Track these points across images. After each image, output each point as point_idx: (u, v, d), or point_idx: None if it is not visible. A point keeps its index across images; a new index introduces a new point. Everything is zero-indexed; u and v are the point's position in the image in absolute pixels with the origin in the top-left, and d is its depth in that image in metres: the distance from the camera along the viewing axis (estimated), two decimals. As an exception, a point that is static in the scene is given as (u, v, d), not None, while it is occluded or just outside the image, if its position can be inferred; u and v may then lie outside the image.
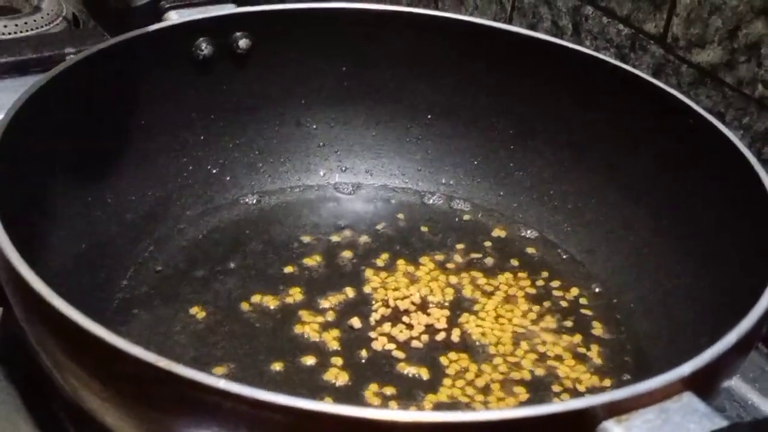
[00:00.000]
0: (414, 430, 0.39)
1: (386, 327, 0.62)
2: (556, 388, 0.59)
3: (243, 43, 0.70)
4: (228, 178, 0.73)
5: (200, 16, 0.69)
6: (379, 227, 0.72)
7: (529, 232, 0.72)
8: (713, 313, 0.57)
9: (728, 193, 0.60)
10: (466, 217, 0.74)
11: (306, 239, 0.70)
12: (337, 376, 0.58)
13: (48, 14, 1.01)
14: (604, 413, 0.40)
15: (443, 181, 0.76)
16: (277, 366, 0.58)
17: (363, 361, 0.60)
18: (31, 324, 0.48)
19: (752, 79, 0.69)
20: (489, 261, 0.69)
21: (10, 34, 0.97)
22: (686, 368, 0.42)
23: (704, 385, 0.43)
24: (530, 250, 0.71)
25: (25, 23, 0.99)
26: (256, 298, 0.64)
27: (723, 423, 0.41)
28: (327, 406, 0.39)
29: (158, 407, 0.43)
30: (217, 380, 0.39)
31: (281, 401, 0.39)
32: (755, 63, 0.69)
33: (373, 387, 0.58)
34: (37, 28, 0.99)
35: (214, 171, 0.72)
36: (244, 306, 0.63)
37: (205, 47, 0.69)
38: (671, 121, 0.65)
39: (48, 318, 0.44)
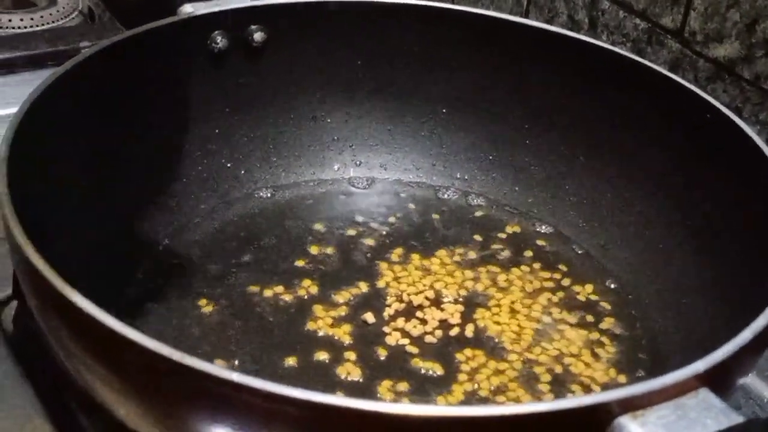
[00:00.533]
0: (428, 424, 0.39)
1: (400, 322, 0.62)
2: (572, 385, 0.58)
3: (258, 36, 0.70)
4: (242, 172, 0.73)
5: (215, 9, 0.69)
6: (393, 222, 0.72)
7: (543, 227, 0.72)
8: (729, 310, 0.56)
9: (745, 189, 0.59)
10: (481, 211, 0.73)
11: (320, 233, 0.70)
12: (350, 371, 0.58)
13: (64, 8, 1.01)
14: (619, 409, 0.40)
15: (458, 175, 0.76)
16: (290, 361, 0.58)
17: (376, 356, 0.59)
18: (45, 316, 0.48)
19: (770, 74, 0.69)
20: (503, 256, 0.69)
21: (26, 27, 0.97)
22: (701, 364, 0.42)
23: (720, 381, 0.43)
24: (545, 245, 0.70)
25: (41, 17, 0.99)
26: (269, 292, 0.64)
27: (739, 419, 0.40)
28: (340, 400, 0.39)
29: (171, 400, 0.43)
30: (230, 373, 0.39)
31: (295, 394, 0.39)
32: (773, 58, 0.68)
33: (387, 383, 0.57)
34: (52, 22, 0.99)
35: (229, 165, 0.72)
36: (258, 300, 0.63)
37: (220, 40, 0.69)
38: (688, 115, 0.64)
39: (62, 310, 0.44)
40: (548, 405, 0.40)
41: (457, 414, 0.39)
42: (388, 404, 0.41)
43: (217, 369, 0.40)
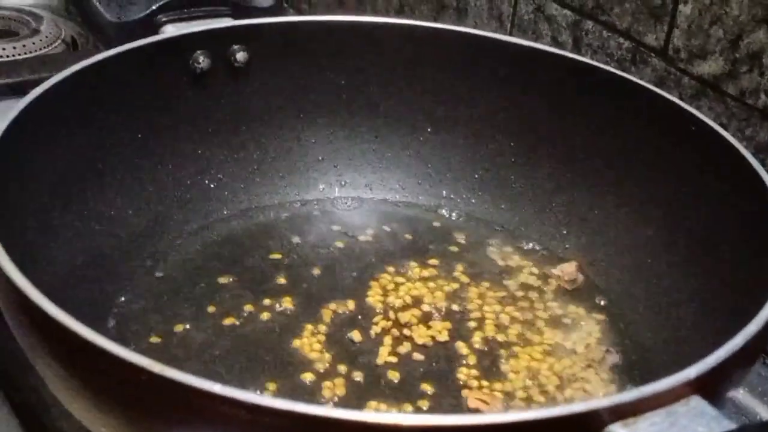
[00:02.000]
0: (415, 433, 0.38)
1: (387, 340, 0.61)
2: (564, 394, 0.58)
3: (240, 56, 0.70)
4: (226, 193, 0.72)
5: (197, 29, 0.68)
6: (379, 241, 0.71)
7: (531, 244, 0.71)
8: (719, 322, 0.56)
9: (732, 200, 0.59)
10: (468, 230, 0.73)
11: (305, 253, 0.69)
12: (336, 390, 0.57)
13: (47, 37, 1.01)
14: (610, 416, 0.39)
15: (444, 194, 0.75)
16: (276, 382, 0.57)
17: (363, 375, 0.59)
18: (23, 333, 0.47)
19: (755, 89, 0.69)
20: (491, 273, 0.68)
21: (9, 56, 0.97)
22: (692, 371, 0.42)
23: (711, 389, 0.42)
24: (532, 263, 0.70)
25: (24, 46, 0.99)
26: (254, 313, 0.63)
27: (732, 426, 0.40)
28: (325, 410, 0.38)
29: (152, 414, 0.42)
30: (212, 384, 0.39)
31: (279, 406, 0.38)
32: (758, 72, 0.68)
33: (373, 403, 0.57)
34: (36, 50, 0.99)
35: (212, 186, 0.72)
36: (242, 320, 0.62)
37: (202, 60, 0.68)
38: (673, 129, 0.64)
39: (41, 326, 0.44)
40: (540, 412, 0.39)
41: (449, 423, 0.38)
42: (373, 414, 0.40)
43: (199, 381, 0.39)
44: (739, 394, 0.63)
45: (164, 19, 0.69)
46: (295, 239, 0.71)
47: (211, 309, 0.63)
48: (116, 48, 0.65)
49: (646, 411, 0.40)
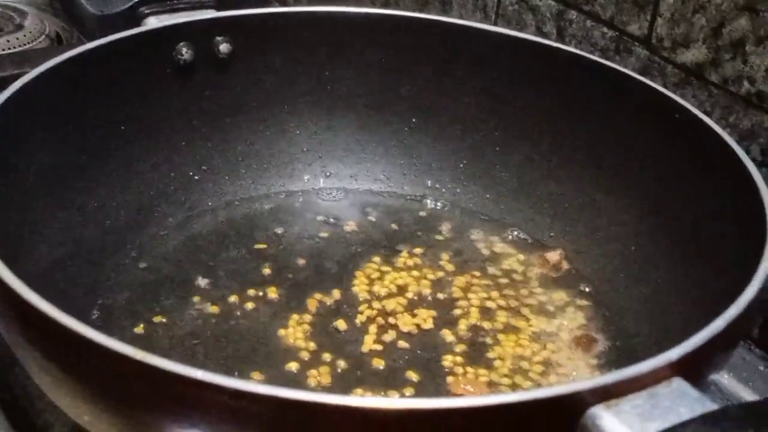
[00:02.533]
0: (400, 417, 0.38)
1: (372, 329, 0.61)
2: (547, 379, 0.58)
3: (224, 47, 0.70)
4: (210, 185, 0.72)
5: (180, 21, 0.68)
6: (364, 231, 0.71)
7: (516, 232, 0.72)
8: (703, 308, 0.56)
9: (716, 188, 0.59)
10: (453, 219, 0.73)
11: (290, 243, 0.69)
12: (321, 379, 0.57)
13: (31, 32, 1.00)
14: (592, 398, 0.39)
15: (429, 184, 0.75)
16: (261, 371, 0.57)
17: (348, 363, 0.59)
18: (6, 324, 0.47)
19: (737, 77, 0.69)
20: (476, 262, 0.68)
21: (-14, 53, 0.97)
22: (674, 353, 0.42)
23: (693, 371, 0.43)
24: (517, 252, 0.70)
25: (7, 41, 0.98)
26: (239, 303, 0.63)
27: (714, 406, 0.40)
28: (309, 395, 0.38)
29: (136, 402, 0.42)
30: (195, 371, 0.39)
31: (262, 391, 0.38)
32: (740, 60, 0.69)
33: (358, 391, 0.57)
34: (20, 45, 0.99)
35: (197, 177, 0.72)
36: (228, 310, 0.62)
37: (185, 52, 0.68)
38: (658, 117, 0.64)
39: (24, 316, 0.44)
40: (521, 395, 0.39)
41: (430, 406, 0.38)
42: (356, 398, 0.40)
43: (181, 367, 0.39)
44: (724, 379, 0.63)
45: (147, 11, 0.69)
46: (280, 230, 0.70)
47: (195, 300, 0.63)
48: (99, 40, 0.65)
49: (629, 393, 0.40)
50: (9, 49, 0.97)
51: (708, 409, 0.40)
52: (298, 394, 0.38)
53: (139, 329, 0.60)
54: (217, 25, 0.70)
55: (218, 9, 0.71)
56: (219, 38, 0.70)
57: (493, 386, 0.57)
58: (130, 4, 0.71)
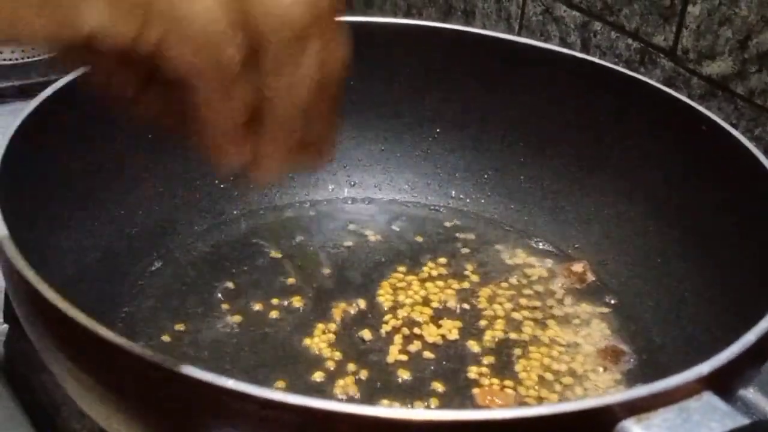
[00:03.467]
0: (428, 428, 0.38)
1: (398, 339, 0.61)
2: (575, 391, 0.58)
3: (251, 56, 0.70)
4: (236, 193, 0.72)
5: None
6: (388, 240, 0.71)
7: (540, 244, 0.71)
8: (730, 321, 0.56)
9: (743, 199, 0.59)
10: (477, 230, 0.73)
11: (315, 252, 0.69)
12: (347, 390, 0.57)
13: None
14: (623, 412, 0.39)
15: (453, 194, 0.75)
16: (285, 380, 0.57)
17: (373, 374, 0.58)
18: (36, 330, 0.47)
19: (764, 89, 0.69)
20: (500, 273, 0.68)
21: (19, 60, 0.97)
22: (705, 367, 0.42)
23: (723, 385, 0.43)
24: (542, 263, 0.70)
25: (33, 49, 0.99)
26: (264, 312, 0.63)
27: (745, 421, 0.40)
28: (338, 405, 0.39)
29: (164, 410, 0.42)
30: (225, 380, 0.39)
31: (291, 401, 0.38)
32: (767, 72, 0.68)
33: (384, 401, 0.56)
34: (44, 53, 0.99)
35: (222, 186, 0.72)
36: (253, 319, 0.62)
37: (214, 60, 0.68)
38: (684, 129, 0.64)
39: (54, 323, 0.44)
40: (552, 408, 0.39)
41: (457, 418, 0.39)
42: (384, 409, 0.40)
43: (212, 376, 0.39)
44: (750, 393, 0.63)
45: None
46: (305, 239, 0.71)
47: (220, 308, 0.63)
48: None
49: (659, 407, 0.40)
50: (34, 56, 0.98)
51: (738, 424, 0.39)
52: (326, 404, 0.38)
53: (165, 337, 0.60)
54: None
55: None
56: (247, 46, 0.70)
57: (518, 398, 0.57)
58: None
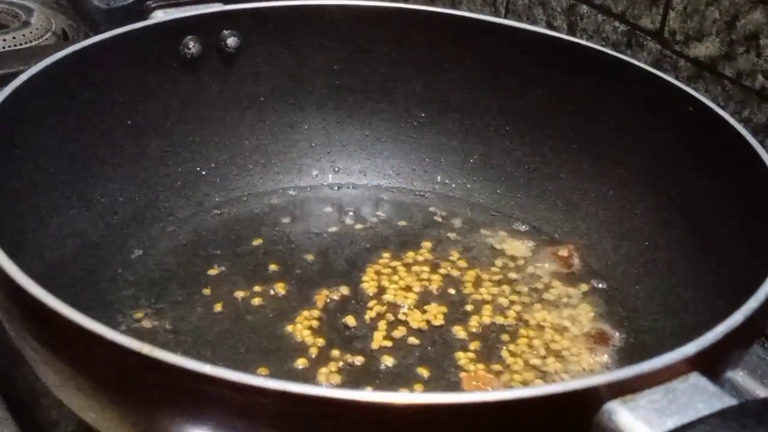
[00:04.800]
0: (412, 412, 0.37)
1: (382, 325, 0.61)
2: (561, 376, 0.57)
3: (231, 41, 0.69)
4: (218, 180, 0.71)
5: (187, 15, 0.68)
6: (373, 226, 0.70)
7: (526, 228, 0.71)
8: (719, 303, 0.55)
9: (732, 181, 0.58)
10: (463, 215, 0.72)
11: (298, 239, 0.68)
12: (330, 377, 0.56)
13: (37, 29, 1.00)
14: (608, 393, 0.39)
15: (438, 179, 0.74)
16: (268, 367, 0.57)
17: (358, 360, 0.58)
18: (12, 320, 0.46)
19: (752, 71, 0.68)
20: (487, 258, 0.68)
21: (-1, 48, 0.96)
22: (691, 347, 0.41)
23: (710, 366, 0.42)
24: (529, 247, 0.69)
25: (14, 38, 0.98)
26: (246, 299, 0.62)
27: (732, 401, 0.39)
28: (319, 390, 0.37)
29: (143, 397, 0.41)
30: (203, 365, 0.38)
31: (271, 385, 0.37)
32: (755, 54, 0.68)
33: (369, 388, 0.56)
34: (26, 42, 0.98)
35: (204, 173, 0.71)
36: (235, 306, 0.61)
37: (192, 46, 0.68)
38: (672, 111, 0.63)
39: (30, 311, 0.43)
40: (536, 390, 0.38)
41: (443, 401, 0.38)
42: (368, 393, 0.39)
43: (190, 362, 0.38)
44: (739, 376, 0.63)
45: (154, 5, 0.68)
46: (288, 225, 0.70)
47: (202, 296, 0.62)
48: (104, 34, 0.64)
49: (645, 388, 0.39)
50: (15, 45, 0.97)
51: (726, 405, 0.39)
52: (308, 389, 0.37)
53: (145, 325, 0.59)
54: (225, 19, 0.69)
55: (226, 2, 0.70)
56: (226, 32, 0.69)
57: (505, 383, 0.56)
58: (137, -3, 0.70)
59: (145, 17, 0.68)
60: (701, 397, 0.39)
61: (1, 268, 0.43)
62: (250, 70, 0.71)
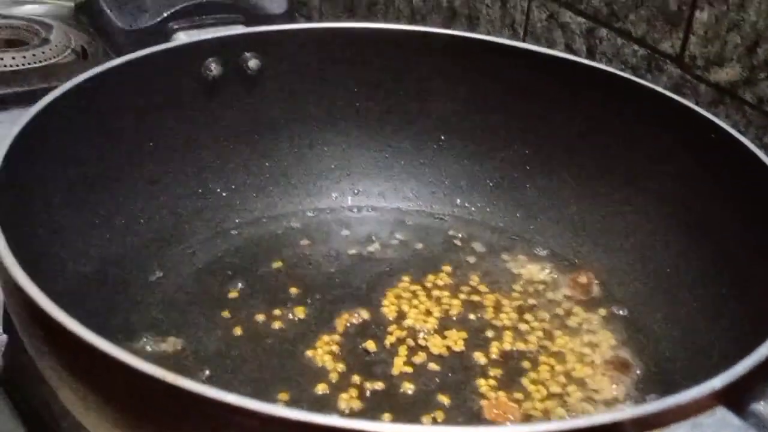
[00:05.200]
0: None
1: (402, 350, 0.60)
2: (583, 406, 0.57)
3: (253, 63, 0.69)
4: (238, 202, 0.71)
5: (209, 37, 0.68)
6: (393, 249, 0.70)
7: (546, 253, 0.70)
8: (742, 333, 0.55)
9: (754, 209, 0.58)
10: (483, 238, 0.72)
11: (318, 262, 0.68)
12: (351, 403, 0.56)
13: (56, 46, 1.00)
14: (634, 428, 0.38)
15: (458, 202, 0.74)
16: (288, 392, 0.56)
17: (378, 386, 0.58)
18: (34, 342, 0.46)
19: (773, 96, 0.68)
20: (506, 283, 0.67)
21: (19, 66, 0.96)
22: (718, 381, 0.41)
23: (736, 400, 0.41)
24: (549, 272, 0.69)
25: (33, 55, 0.98)
26: (266, 322, 0.62)
27: (759, 437, 0.39)
28: (342, 422, 0.37)
29: (165, 425, 0.41)
30: (226, 395, 0.38)
31: (294, 417, 0.37)
32: (776, 79, 0.67)
33: (389, 415, 0.55)
34: (45, 60, 0.99)
35: (224, 194, 0.71)
36: (255, 330, 0.61)
37: (214, 68, 0.68)
38: (693, 137, 0.63)
39: (52, 334, 0.43)
40: (561, 424, 0.38)
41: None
42: (389, 425, 0.39)
43: (212, 391, 0.38)
44: (760, 405, 0.62)
45: (176, 27, 0.69)
46: (308, 248, 0.70)
47: (222, 319, 0.62)
48: (127, 55, 0.64)
49: (671, 422, 0.39)
50: (35, 63, 0.97)
51: (753, 441, 0.39)
52: (330, 420, 0.37)
53: (165, 348, 0.59)
54: (246, 41, 0.69)
55: (247, 25, 0.70)
56: (248, 54, 0.69)
57: (526, 411, 0.56)
58: (159, 19, 0.71)
59: (167, 39, 0.68)
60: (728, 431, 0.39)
61: (22, 289, 0.43)
62: (270, 92, 0.71)
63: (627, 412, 0.39)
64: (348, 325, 0.62)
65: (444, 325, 0.63)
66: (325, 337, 0.61)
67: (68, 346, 0.42)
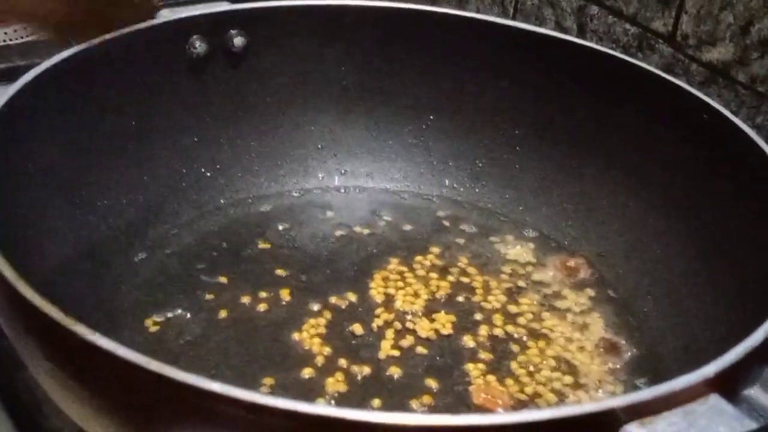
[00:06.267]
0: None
1: (389, 334, 0.60)
2: (574, 393, 0.56)
3: (238, 41, 0.68)
4: (223, 182, 0.70)
5: (193, 14, 0.67)
6: (380, 231, 0.69)
7: (536, 234, 0.70)
8: (733, 316, 0.54)
9: (746, 190, 0.57)
10: (471, 219, 0.71)
11: (304, 243, 0.67)
12: (337, 386, 0.55)
13: (39, 22, 0.99)
14: (626, 416, 0.38)
15: (446, 183, 0.73)
16: (274, 377, 0.56)
17: (365, 370, 0.57)
18: (15, 329, 0.45)
19: (766, 76, 0.67)
20: (495, 265, 0.67)
21: (0, 42, 0.95)
22: (711, 369, 0.40)
23: (730, 387, 0.41)
24: (538, 254, 0.68)
25: (15, 31, 0.96)
26: (252, 304, 0.61)
27: (753, 425, 0.38)
28: (328, 410, 0.37)
29: (148, 412, 0.40)
30: (210, 383, 0.37)
31: (280, 405, 0.36)
32: (769, 59, 0.67)
33: (376, 400, 0.55)
34: (26, 36, 0.97)
35: (209, 174, 0.70)
36: (240, 312, 0.60)
37: (198, 45, 0.67)
38: (684, 117, 0.62)
39: (33, 322, 0.42)
40: (554, 412, 0.37)
41: (456, 423, 0.37)
42: (378, 413, 0.38)
43: (197, 379, 0.37)
44: (752, 391, 0.62)
45: (160, 3, 0.67)
46: (294, 229, 0.69)
47: (207, 301, 0.61)
48: (111, 33, 0.63)
49: (664, 410, 0.38)
50: (17, 39, 0.96)
51: (747, 428, 0.38)
52: (317, 408, 0.37)
53: (149, 331, 0.58)
54: (232, 18, 0.68)
55: (233, 1, 0.69)
56: (233, 32, 0.68)
57: (515, 395, 0.55)
58: (142, -5, 0.69)
59: (151, 17, 0.67)
60: (721, 420, 0.38)
61: (3, 277, 0.42)
62: (256, 71, 0.70)
63: (619, 399, 0.38)
64: (334, 308, 0.61)
65: (432, 308, 0.62)
66: (312, 320, 0.60)
67: (49, 333, 0.41)
